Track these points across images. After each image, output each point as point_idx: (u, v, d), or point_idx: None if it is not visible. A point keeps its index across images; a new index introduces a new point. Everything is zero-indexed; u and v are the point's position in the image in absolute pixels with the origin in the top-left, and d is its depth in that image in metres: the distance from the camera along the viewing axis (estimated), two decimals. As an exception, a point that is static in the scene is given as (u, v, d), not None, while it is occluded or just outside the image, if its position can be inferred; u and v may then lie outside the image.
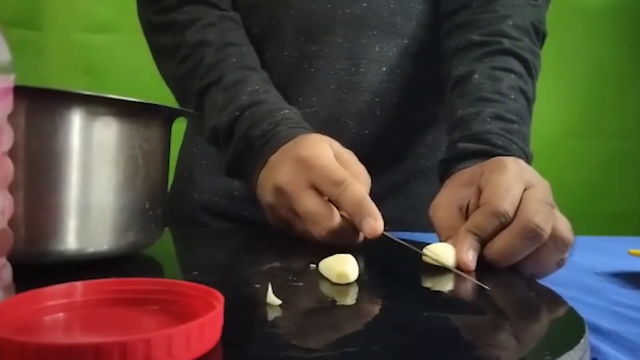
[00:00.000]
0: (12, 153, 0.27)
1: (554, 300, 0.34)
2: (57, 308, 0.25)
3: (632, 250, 0.51)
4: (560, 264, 0.42)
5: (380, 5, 0.62)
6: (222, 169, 0.68)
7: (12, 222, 0.28)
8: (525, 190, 0.42)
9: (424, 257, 0.41)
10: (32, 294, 0.24)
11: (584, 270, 0.41)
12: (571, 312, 0.31)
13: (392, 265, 0.43)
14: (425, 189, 0.69)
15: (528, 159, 0.51)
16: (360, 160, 0.50)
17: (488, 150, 0.50)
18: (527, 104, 0.56)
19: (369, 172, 0.50)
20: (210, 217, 0.68)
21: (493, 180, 0.43)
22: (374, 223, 0.42)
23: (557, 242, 0.41)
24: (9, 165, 0.27)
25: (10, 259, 0.28)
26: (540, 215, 0.39)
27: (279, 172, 0.48)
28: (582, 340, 0.26)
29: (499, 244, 0.41)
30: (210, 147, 0.69)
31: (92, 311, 0.25)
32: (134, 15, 1.30)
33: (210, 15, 0.60)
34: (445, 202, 0.47)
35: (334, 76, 0.62)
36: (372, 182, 0.49)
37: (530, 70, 0.58)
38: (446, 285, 0.38)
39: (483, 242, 0.42)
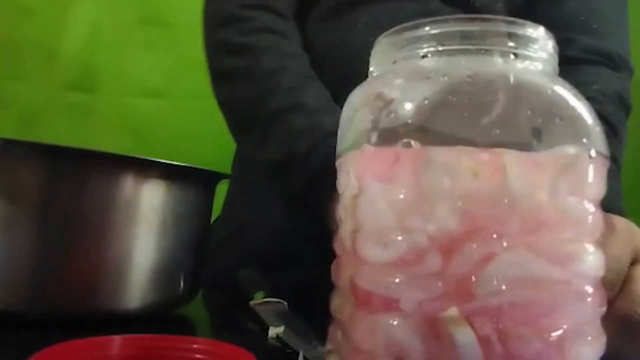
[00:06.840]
0: (53, 211, 0.28)
1: None
2: (92, 361, 0.25)
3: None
4: None
5: None
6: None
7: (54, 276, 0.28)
8: (632, 263, 0.36)
9: None
10: (69, 345, 0.25)
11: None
12: None
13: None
14: None
15: (621, 214, 0.46)
16: None
17: None
18: (616, 166, 0.52)
19: None
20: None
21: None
22: None
23: None
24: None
25: (48, 312, 0.28)
26: None
27: None
28: None
29: None
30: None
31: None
32: (180, 82, 1.36)
33: (289, 46, 0.60)
34: None
35: None
36: None
37: (617, 133, 0.54)
38: None
39: None
